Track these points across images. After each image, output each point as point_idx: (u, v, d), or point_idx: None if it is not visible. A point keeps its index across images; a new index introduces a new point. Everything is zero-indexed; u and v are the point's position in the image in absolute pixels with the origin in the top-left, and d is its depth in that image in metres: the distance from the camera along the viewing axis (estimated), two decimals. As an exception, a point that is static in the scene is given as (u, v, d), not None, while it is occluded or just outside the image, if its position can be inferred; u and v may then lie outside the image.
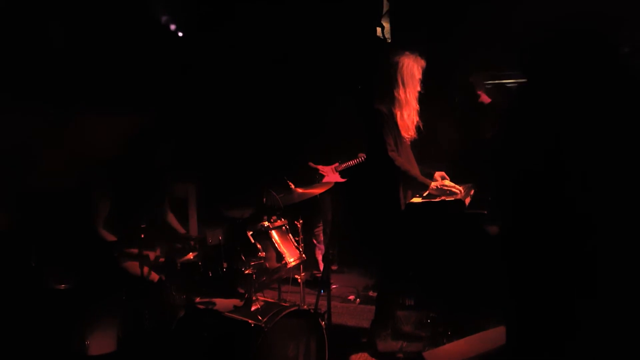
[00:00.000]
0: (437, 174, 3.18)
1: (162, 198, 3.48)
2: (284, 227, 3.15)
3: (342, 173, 4.67)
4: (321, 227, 4.78)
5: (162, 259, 2.96)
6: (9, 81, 3.51)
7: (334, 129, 4.68)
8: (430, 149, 3.57)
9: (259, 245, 2.90)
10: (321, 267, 4.72)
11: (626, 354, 1.61)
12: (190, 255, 2.93)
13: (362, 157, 4.58)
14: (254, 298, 2.76)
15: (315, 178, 4.52)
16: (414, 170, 3.14)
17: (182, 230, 3.53)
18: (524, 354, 1.80)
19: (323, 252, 4.76)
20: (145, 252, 2.84)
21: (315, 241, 4.79)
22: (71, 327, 2.85)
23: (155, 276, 2.95)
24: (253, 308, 2.72)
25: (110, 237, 3.08)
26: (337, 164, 4.66)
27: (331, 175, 4.63)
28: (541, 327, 1.73)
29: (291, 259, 3.06)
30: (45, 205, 3.43)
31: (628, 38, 1.82)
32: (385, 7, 4.92)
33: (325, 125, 4.71)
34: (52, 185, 3.38)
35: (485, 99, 4.12)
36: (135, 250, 2.84)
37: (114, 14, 4.15)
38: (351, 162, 4.65)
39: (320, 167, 4.62)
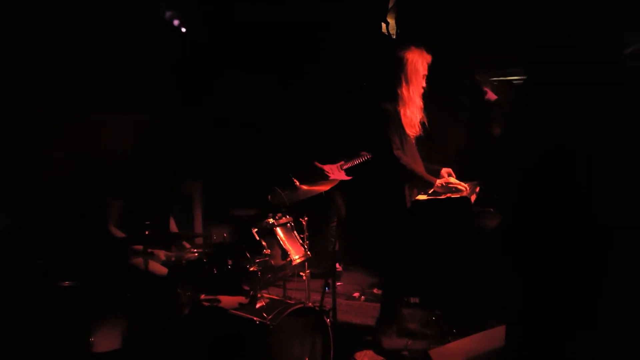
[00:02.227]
0: (444, 170, 3.17)
1: (173, 198, 3.49)
2: (289, 224, 3.16)
3: (347, 171, 4.66)
4: (337, 223, 4.79)
5: (168, 256, 2.97)
6: (24, 82, 3.52)
7: (339, 127, 4.67)
8: (436, 146, 3.55)
9: (264, 243, 2.90)
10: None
11: (630, 354, 1.60)
12: (196, 253, 2.94)
13: (367, 155, 4.57)
14: (259, 295, 2.76)
15: (320, 176, 4.51)
16: (419, 168, 3.13)
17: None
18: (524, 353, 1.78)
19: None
20: (151, 249, 2.85)
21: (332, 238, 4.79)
22: (77, 324, 2.86)
23: (161, 273, 2.95)
24: (258, 305, 2.72)
25: (119, 234, 3.09)
26: (342, 162, 4.66)
27: (337, 173, 4.63)
28: (543, 326, 1.72)
29: (296, 256, 3.06)
30: (54, 204, 3.45)
31: (630, 38, 1.81)
32: (391, 3, 4.89)
33: (330, 124, 4.70)
34: (63, 185, 3.40)
35: (491, 96, 4.09)
36: (141, 247, 2.85)
37: (126, 16, 4.16)
38: (356, 161, 4.65)
39: (325, 166, 4.62)
